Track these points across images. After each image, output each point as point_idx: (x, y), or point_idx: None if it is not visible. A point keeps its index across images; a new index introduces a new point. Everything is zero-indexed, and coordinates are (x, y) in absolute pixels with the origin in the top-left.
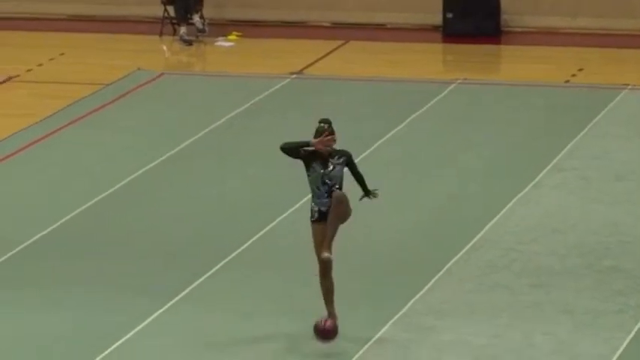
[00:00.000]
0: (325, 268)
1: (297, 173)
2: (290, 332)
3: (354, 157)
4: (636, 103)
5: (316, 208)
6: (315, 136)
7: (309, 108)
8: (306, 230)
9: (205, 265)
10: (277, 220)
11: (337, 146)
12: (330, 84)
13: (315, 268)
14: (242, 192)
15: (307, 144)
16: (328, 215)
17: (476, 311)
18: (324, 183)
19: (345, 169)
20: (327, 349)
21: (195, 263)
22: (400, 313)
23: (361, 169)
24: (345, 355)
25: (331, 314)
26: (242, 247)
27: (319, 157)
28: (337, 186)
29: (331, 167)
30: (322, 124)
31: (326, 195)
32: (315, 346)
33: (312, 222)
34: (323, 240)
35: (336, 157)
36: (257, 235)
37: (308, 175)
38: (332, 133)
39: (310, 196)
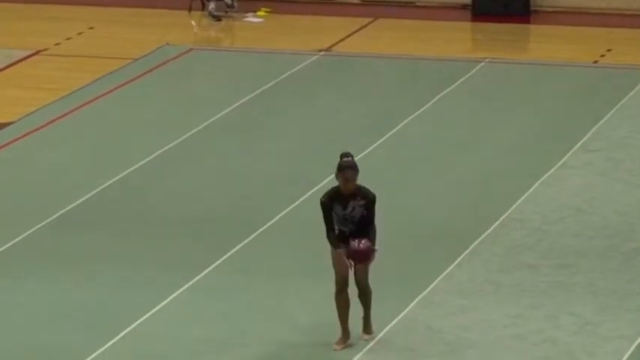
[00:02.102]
0: (344, 287)
1: (325, 150)
2: (318, 305)
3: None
4: None
5: (338, 228)
6: (337, 172)
7: (337, 85)
8: None
9: (232, 240)
10: (304, 196)
11: (367, 122)
12: (358, 61)
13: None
14: (269, 168)
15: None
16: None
17: (500, 291)
18: (345, 220)
19: None
20: (353, 326)
21: (221, 238)
22: (425, 291)
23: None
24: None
25: (345, 330)
26: (269, 223)
27: (341, 198)
28: (356, 220)
29: (351, 209)
30: (345, 159)
31: (350, 225)
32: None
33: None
34: (341, 259)
35: (358, 199)
36: (284, 212)
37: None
38: (352, 167)
39: None
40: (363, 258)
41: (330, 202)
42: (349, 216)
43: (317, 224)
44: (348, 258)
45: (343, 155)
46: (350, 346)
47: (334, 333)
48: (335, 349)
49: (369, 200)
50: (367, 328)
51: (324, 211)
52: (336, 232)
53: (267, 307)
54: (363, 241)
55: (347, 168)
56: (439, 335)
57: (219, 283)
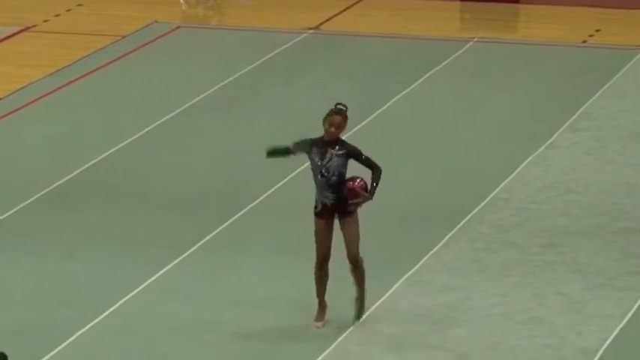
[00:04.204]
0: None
1: (313, 128)
2: (308, 283)
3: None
4: None
5: (319, 200)
6: (325, 117)
7: (326, 63)
8: None
9: (220, 218)
10: (292, 174)
11: (355, 100)
12: (347, 40)
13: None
14: (257, 146)
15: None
16: (347, 227)
17: (487, 270)
18: (322, 175)
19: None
20: (340, 304)
21: (209, 216)
22: (412, 270)
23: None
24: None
25: (322, 304)
26: (257, 201)
27: (320, 146)
28: (335, 179)
29: (328, 158)
30: (338, 106)
31: (327, 188)
32: (332, 298)
33: (316, 214)
34: (324, 235)
35: (337, 148)
36: (272, 189)
37: (311, 165)
38: (339, 114)
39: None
40: (350, 195)
41: (311, 145)
42: (326, 167)
43: (304, 202)
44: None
45: (336, 104)
46: (328, 322)
47: (328, 313)
48: (316, 327)
49: (349, 150)
50: (360, 312)
51: (299, 142)
52: (319, 200)
53: (256, 284)
54: (358, 180)
55: (334, 113)
56: (426, 314)
57: (207, 260)
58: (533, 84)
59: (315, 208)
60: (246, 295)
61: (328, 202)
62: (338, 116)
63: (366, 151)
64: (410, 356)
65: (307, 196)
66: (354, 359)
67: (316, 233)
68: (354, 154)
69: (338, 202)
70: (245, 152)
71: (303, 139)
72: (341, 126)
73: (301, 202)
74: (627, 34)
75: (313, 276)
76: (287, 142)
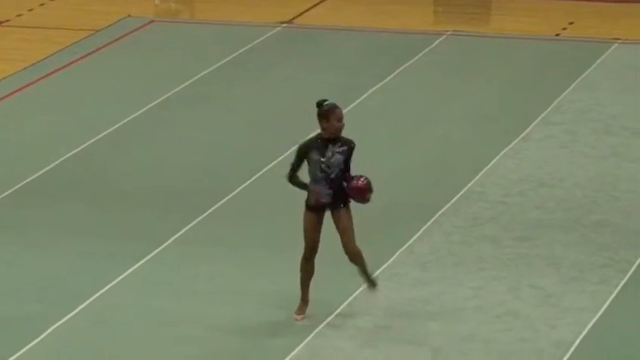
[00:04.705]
0: (312, 256)
1: (286, 122)
2: (281, 277)
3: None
4: (626, 57)
5: (314, 195)
6: (325, 114)
7: (299, 57)
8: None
9: (194, 212)
10: (266, 168)
11: (329, 94)
12: (320, 34)
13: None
14: (230, 140)
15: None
16: (342, 221)
17: (462, 263)
18: (322, 170)
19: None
20: (313, 297)
21: (183, 210)
22: (387, 263)
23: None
24: (331, 307)
25: (305, 298)
26: (231, 195)
27: (318, 144)
28: (334, 175)
29: (330, 154)
30: (327, 102)
31: (325, 184)
32: (318, 287)
33: (307, 207)
34: (315, 229)
35: (339, 144)
36: (246, 183)
37: (308, 164)
38: (338, 107)
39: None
40: (362, 195)
41: (307, 149)
42: (327, 163)
43: (279, 196)
44: (348, 196)
45: (322, 101)
46: (309, 316)
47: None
48: (296, 319)
49: (349, 147)
50: (370, 282)
51: (297, 157)
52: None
53: (230, 278)
54: (362, 179)
55: (336, 107)
56: (401, 307)
57: (182, 254)
58: (507, 77)
59: (308, 200)
60: (221, 289)
61: (324, 198)
62: (340, 109)
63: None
64: (385, 350)
65: (281, 190)
66: (328, 354)
67: (306, 226)
68: (350, 153)
69: (334, 198)
70: (219, 146)
71: (297, 154)
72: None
73: (275, 196)
74: (600, 27)
75: (299, 269)
76: (261, 136)
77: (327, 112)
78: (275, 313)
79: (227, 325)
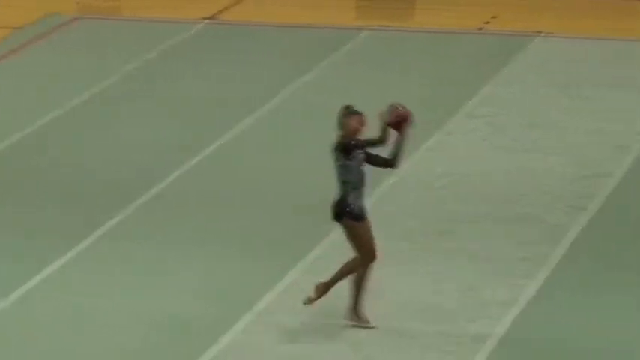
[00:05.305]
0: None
1: (210, 117)
2: (210, 273)
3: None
4: (549, 50)
5: (361, 205)
6: (351, 116)
7: (222, 53)
8: (220, 172)
9: (120, 207)
10: (191, 163)
11: (251, 90)
12: (243, 29)
13: None
14: (156, 136)
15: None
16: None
17: (384, 257)
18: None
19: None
20: (232, 292)
21: (109, 205)
22: (306, 257)
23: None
24: (251, 302)
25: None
26: (156, 189)
27: (354, 149)
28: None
29: (361, 160)
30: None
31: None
32: (229, 286)
33: (362, 219)
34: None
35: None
36: (171, 178)
37: (350, 171)
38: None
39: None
40: (407, 121)
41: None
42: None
43: (206, 191)
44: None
45: (347, 107)
46: (229, 311)
47: (226, 300)
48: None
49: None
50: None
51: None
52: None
53: (154, 273)
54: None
55: (356, 112)
56: (320, 303)
57: (106, 250)
58: (430, 71)
59: (354, 212)
60: (144, 285)
61: (363, 201)
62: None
63: (260, 140)
64: (304, 346)
65: (206, 185)
66: (248, 350)
67: (362, 235)
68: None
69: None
70: (144, 142)
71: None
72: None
73: (201, 192)
74: (523, 20)
75: (352, 268)
76: (186, 131)
77: (346, 116)
78: (197, 310)
79: (145, 322)
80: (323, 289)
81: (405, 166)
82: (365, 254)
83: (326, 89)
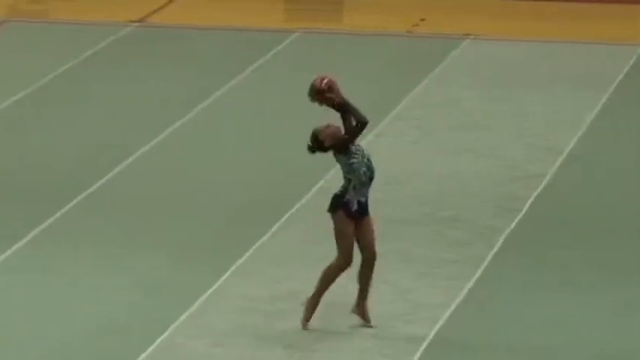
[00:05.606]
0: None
1: (138, 121)
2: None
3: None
4: (478, 52)
5: (356, 198)
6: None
7: (151, 57)
8: (152, 175)
9: (46, 213)
10: (119, 167)
11: (182, 93)
12: (173, 32)
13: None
14: (83, 138)
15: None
16: (368, 224)
17: (315, 260)
18: (369, 168)
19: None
20: (175, 293)
21: (34, 211)
22: (239, 262)
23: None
24: (183, 306)
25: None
26: (85, 194)
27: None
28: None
29: (365, 150)
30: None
31: (368, 184)
32: (161, 289)
33: (349, 215)
34: (368, 236)
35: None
36: (100, 182)
37: (353, 162)
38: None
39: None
40: (332, 87)
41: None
42: (367, 163)
43: (138, 193)
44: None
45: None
46: (162, 315)
47: (158, 304)
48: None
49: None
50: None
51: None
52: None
53: (86, 276)
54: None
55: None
56: (253, 305)
57: (38, 253)
58: (359, 74)
59: (350, 207)
60: (72, 290)
61: (364, 199)
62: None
63: (195, 143)
64: (237, 349)
65: (138, 188)
66: (180, 353)
67: (348, 234)
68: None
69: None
70: (72, 146)
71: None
72: None
73: (126, 195)
74: (452, 23)
75: (332, 275)
76: (114, 135)
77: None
78: (127, 313)
79: (78, 327)
80: (312, 305)
81: (335, 169)
82: (342, 255)
83: (256, 91)
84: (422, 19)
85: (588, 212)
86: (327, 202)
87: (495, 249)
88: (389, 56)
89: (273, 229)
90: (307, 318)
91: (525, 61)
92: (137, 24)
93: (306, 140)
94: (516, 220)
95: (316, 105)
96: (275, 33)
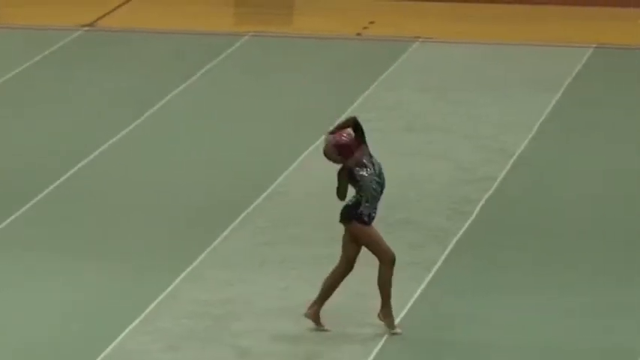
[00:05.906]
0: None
1: (88, 126)
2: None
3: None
4: (427, 55)
5: (369, 212)
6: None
7: (101, 61)
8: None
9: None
10: (69, 172)
11: (133, 97)
12: (123, 36)
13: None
14: (33, 143)
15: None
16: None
17: (268, 264)
18: (378, 183)
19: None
20: (118, 300)
21: None
22: (191, 266)
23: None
24: (137, 309)
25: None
26: (39, 197)
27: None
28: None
29: (375, 164)
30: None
31: (379, 199)
32: (115, 294)
33: (368, 224)
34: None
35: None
36: (55, 183)
37: (364, 182)
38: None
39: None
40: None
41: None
42: (378, 180)
43: (93, 195)
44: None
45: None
46: (116, 319)
47: (112, 309)
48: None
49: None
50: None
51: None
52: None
53: (36, 281)
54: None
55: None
56: (207, 309)
57: None
58: (310, 77)
59: (362, 218)
60: (25, 295)
61: (375, 212)
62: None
63: (146, 147)
64: (189, 353)
65: (92, 190)
66: (132, 358)
67: (377, 237)
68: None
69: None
70: (21, 150)
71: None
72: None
73: (84, 198)
74: (401, 25)
75: (384, 279)
76: (67, 139)
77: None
78: (80, 320)
79: (30, 334)
80: (315, 311)
81: (287, 172)
82: (383, 254)
83: (207, 94)
84: (371, 22)
85: (538, 214)
86: (279, 207)
87: (448, 251)
88: (339, 59)
89: (225, 233)
90: (317, 322)
91: (476, 64)
92: (87, 28)
93: (257, 142)
94: (468, 222)
95: (266, 108)
96: (225, 36)
